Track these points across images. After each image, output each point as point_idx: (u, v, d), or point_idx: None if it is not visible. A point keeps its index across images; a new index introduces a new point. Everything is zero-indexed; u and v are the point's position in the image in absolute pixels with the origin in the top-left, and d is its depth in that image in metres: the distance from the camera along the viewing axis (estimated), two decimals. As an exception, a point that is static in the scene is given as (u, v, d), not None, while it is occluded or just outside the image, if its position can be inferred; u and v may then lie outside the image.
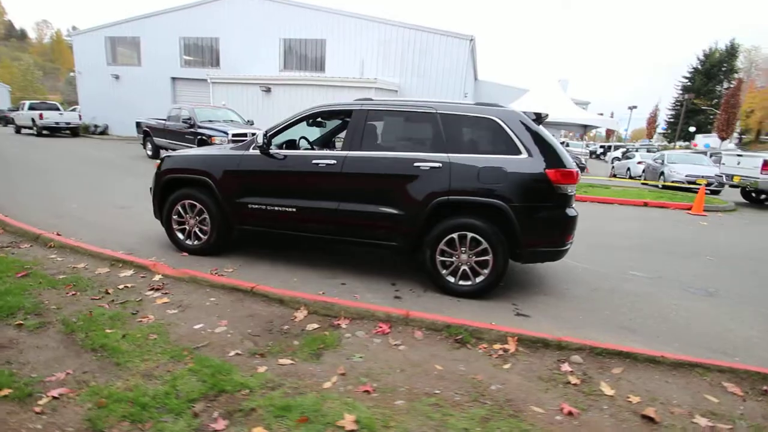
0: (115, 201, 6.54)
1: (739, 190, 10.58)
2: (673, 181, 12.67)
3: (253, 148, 3.87)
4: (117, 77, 22.06)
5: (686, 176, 12.54)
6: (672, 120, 56.74)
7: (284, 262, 4.12)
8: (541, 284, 3.93)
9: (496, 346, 2.60)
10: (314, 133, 5.39)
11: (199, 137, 11.12)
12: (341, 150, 3.68)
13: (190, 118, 11.51)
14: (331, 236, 3.78)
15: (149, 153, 13.14)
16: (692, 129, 42.00)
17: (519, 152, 3.32)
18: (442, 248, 3.46)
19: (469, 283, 3.48)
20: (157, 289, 3.15)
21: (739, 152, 10.46)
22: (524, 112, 3.46)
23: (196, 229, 4.14)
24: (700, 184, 12.43)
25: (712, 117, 51.45)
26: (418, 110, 3.58)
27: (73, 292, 2.97)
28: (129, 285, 3.18)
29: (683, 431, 1.91)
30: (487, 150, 3.40)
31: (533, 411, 2.00)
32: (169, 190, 4.17)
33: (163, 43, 20.86)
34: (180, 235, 4.21)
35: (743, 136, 48.69)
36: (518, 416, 1.94)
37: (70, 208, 5.86)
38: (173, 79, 21.32)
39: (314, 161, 3.66)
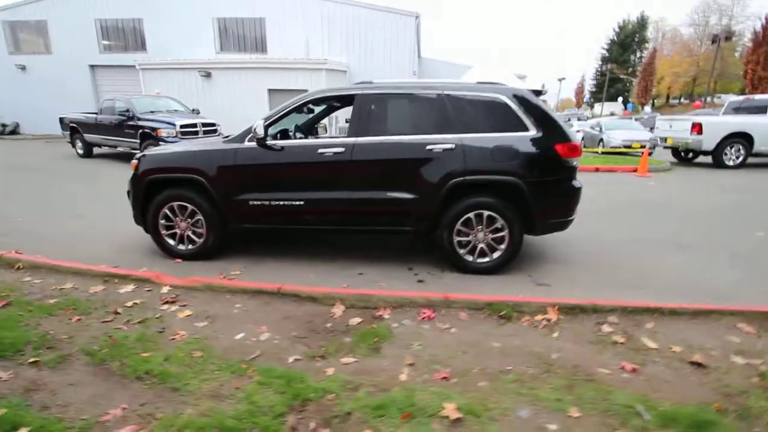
0: (65, 210, 5.80)
1: (670, 150, 11.76)
2: (612, 147, 13.78)
3: (249, 140, 3.60)
4: (23, 68, 19.22)
5: (623, 141, 13.69)
6: (594, 90, 61.36)
7: (289, 258, 3.95)
8: (543, 254, 4.14)
9: (538, 317, 2.71)
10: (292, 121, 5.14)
11: (141, 131, 10.12)
12: (347, 137, 3.53)
13: (127, 110, 10.39)
14: (343, 227, 3.67)
15: (80, 152, 11.75)
16: (620, 99, 45.84)
17: (527, 129, 3.40)
18: (458, 228, 3.50)
19: (486, 259, 3.57)
20: (172, 302, 2.88)
21: (671, 117, 11.60)
22: (526, 89, 3.54)
23: (189, 233, 3.81)
24: (635, 148, 13.69)
25: (628, 84, 56.32)
26: (423, 92, 3.52)
27: (77, 317, 2.62)
28: (137, 301, 2.86)
29: (729, 370, 2.15)
30: (497, 128, 3.44)
31: (601, 372, 2.13)
32: (152, 192, 3.78)
33: (75, 26, 18.44)
34: (170, 241, 3.85)
35: (654, 101, 53.91)
36: (593, 380, 2.06)
37: (15, 221, 5.11)
38: (92, 66, 19.02)
39: (320, 150, 3.49)
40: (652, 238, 4.67)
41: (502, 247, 3.52)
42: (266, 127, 3.47)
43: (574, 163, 3.49)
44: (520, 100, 3.44)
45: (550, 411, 1.82)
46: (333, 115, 5.15)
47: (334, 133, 9.79)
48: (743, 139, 9.94)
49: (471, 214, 3.46)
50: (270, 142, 3.56)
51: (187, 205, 3.71)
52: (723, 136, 9.99)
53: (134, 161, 3.86)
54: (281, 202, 3.58)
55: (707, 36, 46.75)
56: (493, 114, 3.48)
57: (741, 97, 11.45)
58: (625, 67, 55.33)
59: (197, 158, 3.66)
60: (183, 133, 10.05)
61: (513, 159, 3.36)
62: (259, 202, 3.61)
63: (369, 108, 3.51)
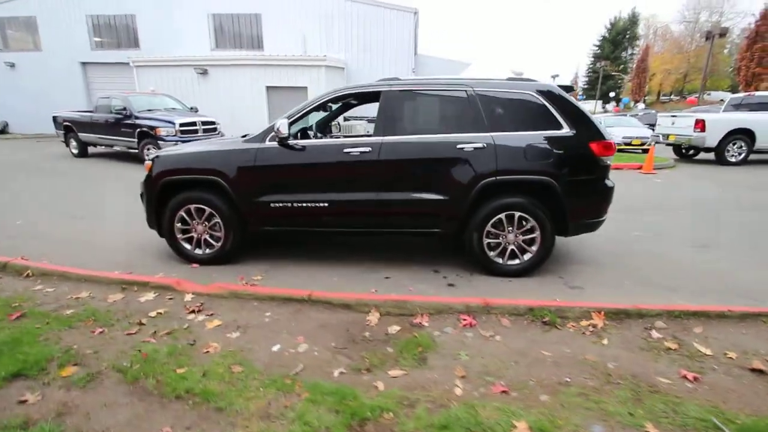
0: (65, 211, 5.59)
1: (671, 148, 11.79)
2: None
3: (271, 140, 3.45)
4: (12, 65, 18.71)
5: (623, 138, 13.71)
6: (587, 87, 61.74)
7: (310, 261, 3.81)
8: (568, 254, 4.05)
9: (584, 323, 2.62)
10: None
11: (139, 130, 9.87)
12: (374, 135, 3.40)
13: (124, 108, 10.12)
14: (369, 229, 3.54)
15: (75, 151, 11.44)
16: (611, 95, 46.09)
17: (560, 126, 3.30)
18: (488, 230, 3.39)
19: (517, 261, 3.47)
20: (198, 311, 2.73)
21: (674, 113, 11.62)
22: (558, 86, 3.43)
23: (206, 236, 3.66)
24: (635, 145, 13.73)
25: (620, 81, 56.72)
26: (453, 89, 3.40)
27: (99, 330, 2.46)
28: (161, 311, 2.71)
29: (794, 378, 2.07)
30: (529, 126, 3.34)
31: (663, 382, 2.04)
32: (167, 194, 3.61)
33: (66, 22, 17.97)
34: (187, 245, 3.69)
35: (646, 98, 54.40)
36: (658, 390, 1.97)
37: (14, 225, 4.90)
38: (83, 64, 18.57)
39: (346, 150, 3.35)
40: (673, 237, 4.62)
41: (533, 248, 3.42)
42: (290, 126, 3.32)
43: (608, 162, 3.40)
44: (553, 96, 3.33)
45: (624, 426, 1.72)
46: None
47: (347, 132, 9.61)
48: (745, 135, 9.98)
49: (502, 215, 3.35)
50: (293, 141, 3.42)
51: (205, 207, 3.55)
52: (725, 133, 10.02)
53: (148, 162, 3.69)
54: (304, 204, 3.44)
55: (698, 33, 47.26)
56: (525, 111, 3.37)
57: (742, 94, 11.51)
58: (616, 64, 55.74)
59: (216, 159, 3.50)
60: (182, 132, 9.83)
61: (546, 158, 3.25)
62: (281, 204, 3.46)
63: (396, 105, 3.38)
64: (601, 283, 3.37)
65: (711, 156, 10.60)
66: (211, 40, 17.86)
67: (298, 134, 3.76)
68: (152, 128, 9.69)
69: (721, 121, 10.21)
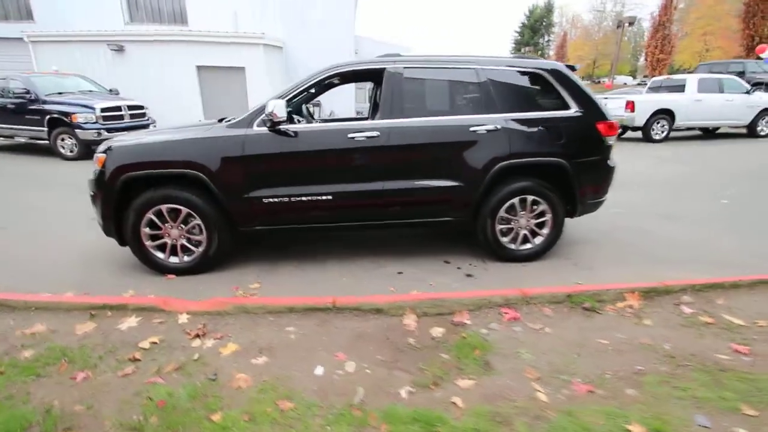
0: (-27, 220, 4.50)
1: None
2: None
3: (259, 125, 2.96)
4: None
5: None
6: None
7: (309, 260, 3.43)
8: (566, 235, 4.10)
9: (620, 305, 2.60)
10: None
11: (48, 116, 8.35)
12: (379, 118, 3.06)
13: (27, 92, 8.48)
14: (376, 222, 3.22)
15: (-40, 145, 9.41)
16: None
17: (568, 107, 3.24)
18: (500, 215, 3.27)
19: (529, 246, 3.40)
20: (203, 335, 2.25)
21: (606, 96, 12.55)
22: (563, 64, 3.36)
23: (184, 241, 3.10)
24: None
25: (540, 66, 60.41)
26: (460, 66, 3.16)
27: (81, 374, 1.91)
28: (155, 340, 2.20)
29: (825, 341, 2.22)
30: (538, 106, 3.24)
31: (724, 359, 2.06)
32: (129, 194, 2.98)
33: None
34: (159, 254, 3.10)
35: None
36: (726, 368, 1.97)
37: None
38: (-45, 38, 15.26)
39: (350, 135, 2.98)
40: (645, 211, 4.89)
41: (545, 232, 3.37)
42: (285, 108, 2.86)
43: (611, 142, 3.43)
44: (560, 75, 3.25)
45: (723, 411, 1.68)
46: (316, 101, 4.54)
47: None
48: (667, 115, 11.08)
49: (515, 200, 3.24)
50: (287, 126, 2.96)
51: (180, 207, 2.98)
52: (651, 113, 11.04)
53: (99, 155, 2.99)
54: (303, 198, 3.03)
55: (604, 21, 51.77)
56: (535, 91, 3.26)
57: (662, 77, 12.74)
58: (536, 50, 59.43)
59: (193, 149, 2.92)
60: (105, 119, 8.51)
61: (558, 139, 3.18)
62: (276, 200, 3.01)
63: (402, 85, 3.07)
64: (607, 262, 3.42)
65: (638, 134, 11.65)
66: (124, 13, 15.63)
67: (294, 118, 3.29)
68: (66, 114, 8.24)
69: (647, 102, 11.20)
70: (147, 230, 3.02)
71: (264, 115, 2.91)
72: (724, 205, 5.16)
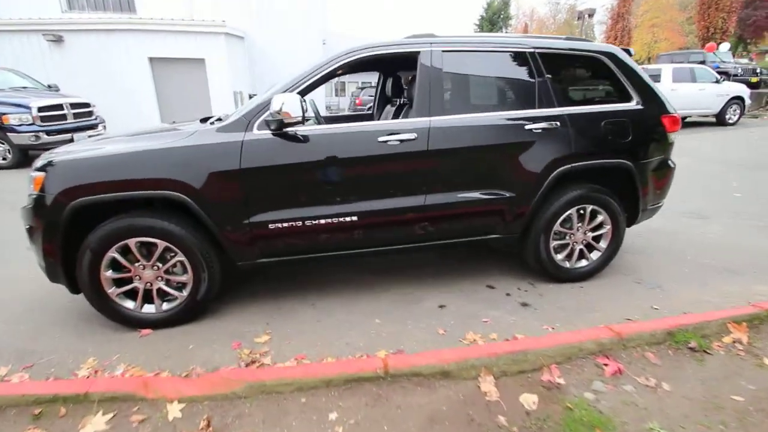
0: None
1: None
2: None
3: (261, 127, 2.23)
4: None
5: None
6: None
7: (325, 295, 2.75)
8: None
9: (726, 340, 2.13)
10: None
11: (-30, 118, 7.00)
12: (417, 115, 2.41)
13: (-60, 89, 7.07)
14: (412, 244, 2.59)
15: None
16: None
17: (630, 98, 2.74)
18: (556, 230, 2.73)
19: (585, 263, 2.89)
20: (210, 439, 1.55)
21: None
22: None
23: (162, 284, 2.33)
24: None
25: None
26: (510, 49, 2.56)
27: None
28: (137, 455, 1.47)
29: None
30: (599, 99, 2.72)
31: None
32: (83, 224, 2.17)
33: None
34: (128, 303, 2.31)
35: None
36: None
37: None
38: None
39: (381, 139, 2.32)
40: (676, 209, 4.51)
41: (602, 245, 2.87)
42: (302, 103, 2.13)
43: (673, 139, 2.97)
44: (617, 60, 2.73)
45: None
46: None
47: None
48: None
49: (572, 210, 2.71)
50: (298, 129, 2.25)
51: (156, 241, 2.21)
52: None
53: (36, 174, 2.15)
54: (321, 221, 2.34)
55: (558, 13, 53.08)
56: (594, 79, 2.74)
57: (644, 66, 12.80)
58: (498, 42, 60.19)
59: (170, 161, 2.15)
60: (43, 120, 7.27)
61: (623, 137, 2.66)
62: (286, 224, 2.30)
63: (442, 73, 2.43)
64: (670, 276, 2.97)
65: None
66: (61, -2, 13.83)
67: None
68: (-5, 115, 6.94)
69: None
70: (109, 274, 2.23)
71: (268, 113, 2.18)
72: (740, 199, 4.93)
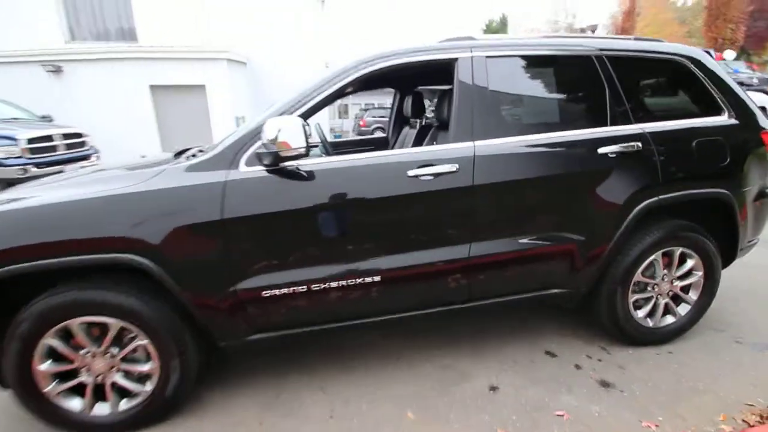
0: None
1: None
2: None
3: (250, 162, 1.66)
4: None
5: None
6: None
7: (336, 372, 2.11)
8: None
9: None
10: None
11: (-46, 152, 6.58)
12: (455, 140, 1.82)
13: (-77, 122, 6.69)
14: (450, 306, 1.96)
15: None
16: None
17: (721, 111, 2.15)
18: (636, 280, 2.10)
19: (672, 320, 2.25)
20: None
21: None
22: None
23: (118, 377, 1.71)
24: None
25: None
26: (571, 52, 2.00)
27: None
28: None
29: None
30: (683, 112, 2.13)
31: None
32: (7, 300, 1.59)
33: None
34: (73, 402, 1.69)
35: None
36: None
37: None
38: None
39: (412, 173, 1.73)
40: None
41: (692, 296, 2.23)
42: (305, 129, 1.56)
43: (771, 159, 2.36)
44: (701, 66, 2.16)
45: None
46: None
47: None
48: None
49: (657, 255, 2.09)
50: (300, 163, 1.67)
51: (107, 319, 1.61)
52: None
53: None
54: (333, 283, 1.73)
55: (558, 31, 53.65)
56: (675, 88, 2.16)
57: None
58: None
59: (122, 213, 1.56)
60: (33, 151, 6.84)
61: (721, 160, 2.06)
62: (286, 290, 1.70)
63: (486, 84, 1.86)
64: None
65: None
66: (64, 28, 13.76)
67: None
68: (-22, 148, 6.52)
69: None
70: (45, 367, 1.62)
71: (260, 144, 1.61)
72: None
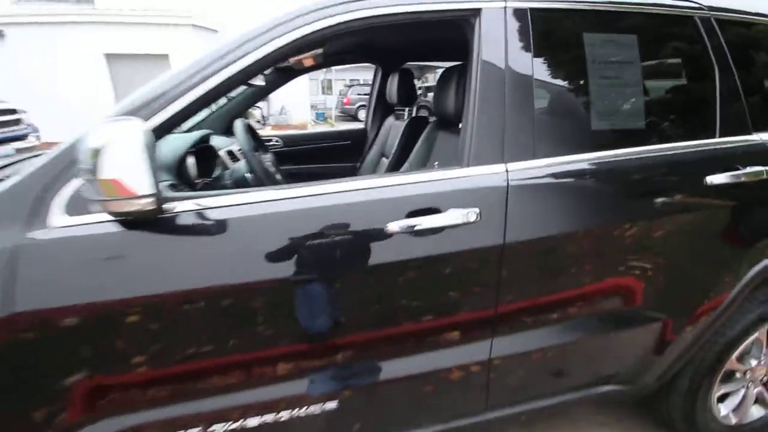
0: None
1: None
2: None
3: (70, 209, 0.83)
4: None
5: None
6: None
7: None
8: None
9: None
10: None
11: None
12: (473, 160, 1.03)
13: None
14: (456, 422, 1.23)
15: None
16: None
17: None
18: (730, 367, 1.41)
19: (762, 412, 1.58)
20: None
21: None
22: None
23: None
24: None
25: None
26: (662, 10, 1.20)
27: None
28: None
29: None
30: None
31: None
32: None
33: None
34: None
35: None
36: None
37: None
38: None
39: (392, 227, 0.94)
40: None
41: (789, 381, 1.56)
42: (152, 145, 0.74)
43: None
44: None
45: None
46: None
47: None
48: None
49: (762, 331, 1.39)
50: (199, 201, 0.87)
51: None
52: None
53: None
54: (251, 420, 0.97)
55: None
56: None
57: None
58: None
59: None
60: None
61: None
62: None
63: (531, 59, 1.06)
64: None
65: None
66: (6, -13, 12.11)
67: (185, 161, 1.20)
68: None
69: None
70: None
71: (85, 175, 0.79)
72: None
